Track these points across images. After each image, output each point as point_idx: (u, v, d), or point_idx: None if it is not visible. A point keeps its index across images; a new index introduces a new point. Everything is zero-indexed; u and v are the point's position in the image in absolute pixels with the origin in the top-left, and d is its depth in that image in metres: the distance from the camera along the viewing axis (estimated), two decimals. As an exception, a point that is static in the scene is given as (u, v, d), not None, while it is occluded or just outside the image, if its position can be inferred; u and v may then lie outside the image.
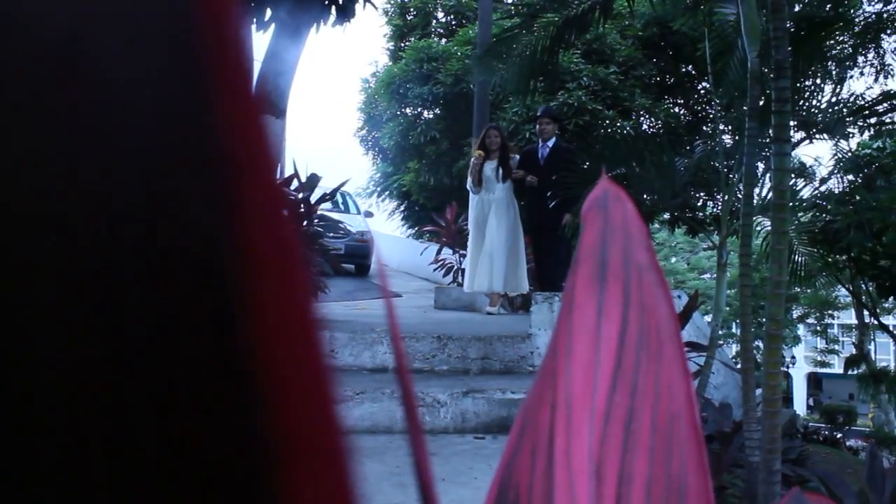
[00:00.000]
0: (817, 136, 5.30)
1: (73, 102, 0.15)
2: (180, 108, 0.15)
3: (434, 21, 16.78)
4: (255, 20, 6.16)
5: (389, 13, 16.93)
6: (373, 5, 6.80)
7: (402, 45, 16.32)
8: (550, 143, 6.72)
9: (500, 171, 6.76)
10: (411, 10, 16.81)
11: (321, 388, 0.17)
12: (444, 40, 15.43)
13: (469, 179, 6.98)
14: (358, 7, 6.56)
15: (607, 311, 0.28)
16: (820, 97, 5.36)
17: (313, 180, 5.74)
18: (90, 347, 0.15)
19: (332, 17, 6.34)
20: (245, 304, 0.16)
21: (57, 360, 0.15)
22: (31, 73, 0.15)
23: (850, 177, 10.30)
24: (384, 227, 19.01)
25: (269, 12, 6.18)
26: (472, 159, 6.81)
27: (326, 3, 6.28)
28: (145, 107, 0.15)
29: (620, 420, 0.26)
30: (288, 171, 6.16)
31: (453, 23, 16.15)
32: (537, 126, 6.89)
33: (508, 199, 6.85)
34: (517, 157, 6.92)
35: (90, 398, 0.15)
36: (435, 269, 9.72)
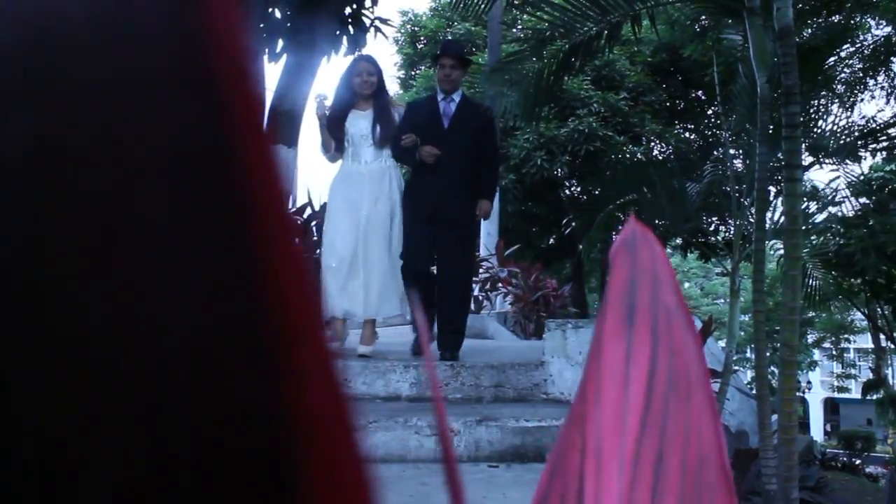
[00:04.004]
0: (828, 159, 5.30)
1: (117, 267, 0.15)
2: (229, 276, 0.15)
3: (444, 49, 16.93)
4: (267, 51, 6.24)
5: (400, 42, 17.10)
6: (384, 35, 6.87)
7: (413, 73, 16.47)
8: (457, 97, 4.53)
9: (378, 128, 4.47)
10: (422, 38, 16.97)
11: None
12: (454, 68, 15.54)
13: (320, 139, 4.62)
14: (369, 37, 6.64)
15: (636, 355, 0.28)
16: (834, 121, 5.37)
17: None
18: None
19: (344, 47, 6.41)
20: (299, 473, 0.15)
21: None
22: (76, 232, 0.15)
23: (864, 200, 10.29)
24: (395, 253, 18.99)
25: (280, 43, 6.26)
26: (315, 110, 4.56)
27: (338, 33, 6.36)
28: (192, 274, 0.15)
29: (650, 463, 0.26)
30: (301, 200, 6.21)
31: (464, 51, 16.28)
32: (439, 70, 4.59)
33: (387, 170, 4.55)
34: (402, 109, 4.67)
35: None
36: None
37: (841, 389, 29.74)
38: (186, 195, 0.15)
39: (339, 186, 4.55)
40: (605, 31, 4.28)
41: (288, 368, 0.16)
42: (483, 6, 4.90)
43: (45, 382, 0.15)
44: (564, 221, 5.56)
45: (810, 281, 7.36)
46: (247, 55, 0.16)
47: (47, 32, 0.15)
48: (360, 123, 4.50)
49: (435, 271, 4.53)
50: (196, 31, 0.15)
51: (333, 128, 4.50)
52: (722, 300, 32.09)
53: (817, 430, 35.80)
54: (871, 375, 18.81)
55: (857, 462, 13.91)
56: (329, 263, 4.45)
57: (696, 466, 0.27)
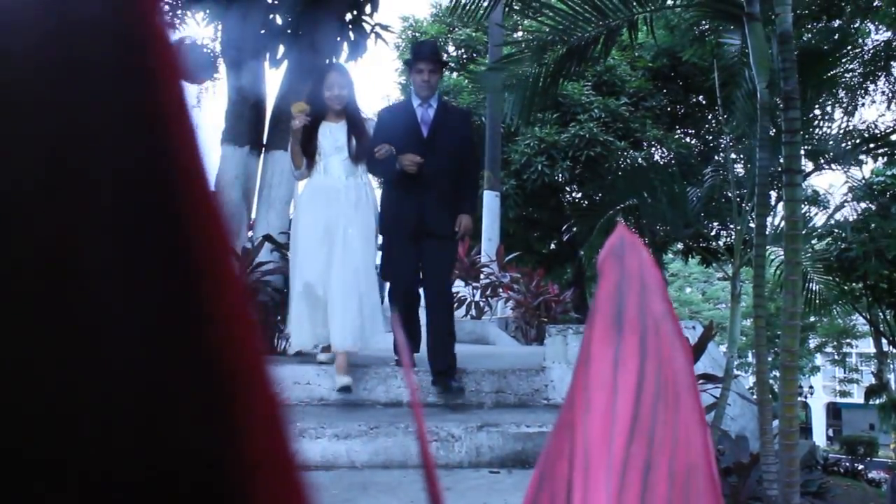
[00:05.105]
0: (827, 166, 5.30)
1: (63, 324, 0.15)
2: (176, 330, 0.15)
3: (445, 55, 16.98)
4: (268, 57, 6.25)
5: (401, 48, 17.13)
6: (384, 41, 6.88)
7: (414, 79, 16.47)
8: (434, 103, 4.19)
9: (353, 142, 4.15)
10: (422, 44, 16.99)
11: None
12: (455, 74, 15.58)
13: (290, 155, 4.30)
14: (370, 42, 6.65)
15: (624, 362, 0.28)
16: (831, 126, 5.37)
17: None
18: None
19: (345, 53, 6.41)
20: None
21: None
22: (20, 280, 0.15)
23: (865, 204, 10.30)
24: (397, 259, 19.00)
25: (281, 49, 6.26)
26: (294, 121, 4.13)
27: (339, 38, 6.36)
28: (140, 329, 0.15)
29: (638, 471, 0.27)
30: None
31: (464, 56, 16.32)
32: (416, 76, 4.20)
33: (363, 186, 4.22)
34: (373, 120, 4.30)
35: None
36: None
37: (843, 394, 29.69)
38: (131, 244, 0.15)
39: (310, 205, 4.16)
40: (603, 36, 4.29)
41: (235, 420, 0.16)
42: (482, 12, 4.90)
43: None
44: (565, 227, 5.48)
45: (811, 286, 7.35)
46: (188, 101, 0.16)
47: None
48: (334, 135, 4.17)
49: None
50: (142, 77, 0.15)
51: (304, 140, 4.16)
52: (723, 305, 32.07)
53: (820, 434, 35.75)
54: (873, 380, 18.78)
55: (860, 467, 13.86)
56: (302, 290, 4.09)
57: (685, 474, 0.27)
